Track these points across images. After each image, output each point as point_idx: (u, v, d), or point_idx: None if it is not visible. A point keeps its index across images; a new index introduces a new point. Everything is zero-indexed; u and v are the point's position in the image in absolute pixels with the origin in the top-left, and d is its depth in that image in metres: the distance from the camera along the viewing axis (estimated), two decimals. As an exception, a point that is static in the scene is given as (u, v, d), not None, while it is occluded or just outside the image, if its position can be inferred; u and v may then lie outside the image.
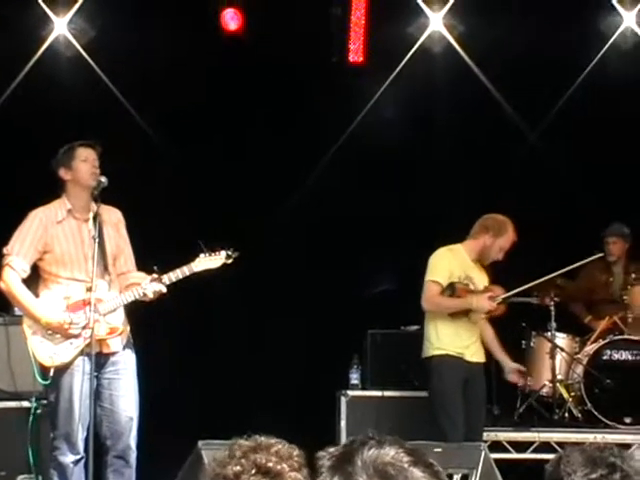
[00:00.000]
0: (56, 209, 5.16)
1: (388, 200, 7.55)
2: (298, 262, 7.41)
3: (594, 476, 2.07)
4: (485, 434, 6.54)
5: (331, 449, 1.55)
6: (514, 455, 6.56)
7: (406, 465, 1.52)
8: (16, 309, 5.77)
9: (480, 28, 7.35)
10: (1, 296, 5.26)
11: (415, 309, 7.00)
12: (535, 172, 7.57)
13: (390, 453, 1.53)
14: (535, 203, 7.51)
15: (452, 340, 5.87)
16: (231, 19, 7.32)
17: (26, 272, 5.06)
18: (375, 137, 7.50)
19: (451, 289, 5.88)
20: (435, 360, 5.84)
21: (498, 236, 5.96)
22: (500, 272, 7.03)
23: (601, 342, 6.99)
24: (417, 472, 1.51)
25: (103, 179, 5.11)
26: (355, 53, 7.52)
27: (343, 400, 6.48)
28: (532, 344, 7.12)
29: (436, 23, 7.45)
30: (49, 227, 5.10)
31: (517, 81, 7.38)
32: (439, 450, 4.76)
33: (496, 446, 6.37)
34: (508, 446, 6.59)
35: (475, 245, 6.01)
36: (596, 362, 6.91)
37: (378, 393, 6.55)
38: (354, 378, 6.68)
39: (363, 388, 6.65)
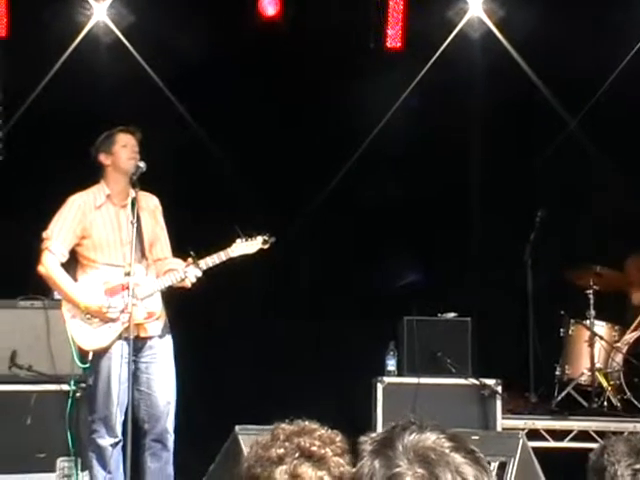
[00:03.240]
0: (95, 194, 5.19)
1: (424, 188, 7.51)
2: (336, 249, 7.40)
3: (638, 466, 2.06)
4: (522, 422, 6.52)
5: (373, 434, 1.54)
6: (552, 444, 6.51)
7: (447, 450, 1.50)
8: (55, 293, 5.81)
9: (520, 13, 7.28)
10: (41, 280, 5.30)
11: (452, 297, 7.00)
12: (574, 159, 7.49)
13: (431, 438, 1.52)
14: (574, 190, 7.44)
15: None
16: (269, 4, 7.31)
17: (65, 257, 5.10)
18: (412, 124, 7.46)
19: None
20: None
21: None
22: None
23: (641, 330, 6.93)
24: (458, 458, 1.50)
25: (141, 164, 5.13)
26: (393, 39, 7.48)
27: (379, 387, 6.47)
28: (571, 332, 7.06)
29: (475, 8, 7.39)
30: (87, 212, 5.13)
31: (557, 67, 7.29)
32: (476, 438, 4.74)
33: (534, 434, 6.33)
34: (546, 434, 6.55)
35: None
36: (636, 350, 6.84)
37: (414, 380, 6.53)
38: (390, 365, 6.67)
39: (399, 375, 6.63)
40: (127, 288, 4.94)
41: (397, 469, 1.49)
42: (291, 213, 7.17)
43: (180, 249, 5.25)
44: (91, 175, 5.29)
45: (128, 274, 4.95)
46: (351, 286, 7.35)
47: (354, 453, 1.83)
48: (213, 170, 7.26)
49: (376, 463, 1.51)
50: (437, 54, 7.34)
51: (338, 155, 7.51)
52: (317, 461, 1.76)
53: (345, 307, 7.27)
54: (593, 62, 7.25)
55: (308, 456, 1.77)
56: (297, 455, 1.77)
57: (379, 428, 6.23)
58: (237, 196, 7.20)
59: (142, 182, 5.14)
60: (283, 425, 1.84)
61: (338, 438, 1.82)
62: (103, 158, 5.19)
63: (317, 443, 1.78)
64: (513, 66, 7.36)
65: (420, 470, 1.48)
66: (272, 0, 7.28)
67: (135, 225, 4.99)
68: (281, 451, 1.77)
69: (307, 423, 1.83)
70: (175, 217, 5.41)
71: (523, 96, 7.45)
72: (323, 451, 1.77)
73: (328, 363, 7.03)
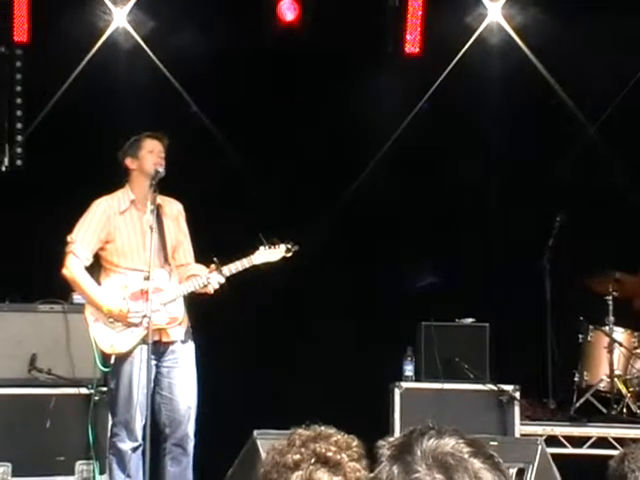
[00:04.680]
0: (119, 199, 5.22)
1: (441, 192, 7.50)
2: (355, 253, 7.40)
3: (659, 473, 2.05)
4: (541, 428, 6.50)
5: (391, 438, 1.54)
6: (570, 450, 6.49)
7: (466, 456, 1.50)
8: (75, 297, 5.85)
9: (539, 18, 7.26)
10: (60, 284, 5.34)
11: (470, 302, 6.98)
12: (593, 165, 7.46)
13: (450, 443, 1.51)
14: (593, 195, 7.41)
15: None
16: (288, 10, 7.32)
17: (89, 260, 5.13)
18: (431, 129, 7.46)
19: None
20: None
21: None
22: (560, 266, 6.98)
23: (661, 337, 6.89)
24: (477, 463, 1.49)
25: (160, 170, 5.16)
26: (412, 44, 7.47)
27: (397, 392, 6.47)
28: (589, 338, 7.03)
29: (494, 13, 7.37)
30: (112, 217, 5.16)
31: (576, 72, 7.27)
32: (495, 444, 4.72)
33: (552, 441, 6.31)
34: (564, 441, 6.52)
35: None
36: (656, 357, 6.81)
37: (432, 385, 6.53)
38: (408, 370, 6.67)
39: (417, 380, 6.63)
40: (148, 292, 4.96)
41: (416, 474, 1.48)
42: (311, 217, 7.17)
43: (203, 255, 5.27)
44: (113, 179, 5.32)
45: (147, 278, 4.97)
46: (369, 291, 7.35)
47: (371, 458, 1.83)
48: (233, 174, 7.28)
49: (394, 468, 1.50)
50: (456, 59, 7.33)
51: (357, 159, 7.51)
52: (333, 467, 1.76)
53: (363, 312, 7.26)
54: (612, 67, 7.22)
55: (324, 462, 1.77)
56: (313, 461, 1.77)
57: (396, 433, 6.22)
58: (259, 200, 7.21)
59: (163, 187, 5.16)
60: (300, 430, 1.84)
61: (354, 443, 1.82)
62: (129, 162, 5.22)
63: (333, 449, 1.78)
64: (532, 71, 7.33)
65: (439, 475, 1.48)
66: (291, 5, 7.30)
67: (155, 229, 5.01)
68: (297, 457, 1.77)
69: (323, 428, 1.83)
70: (197, 222, 5.43)
71: (541, 101, 7.43)
72: (339, 457, 1.78)
73: (346, 368, 7.02)
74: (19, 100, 7.15)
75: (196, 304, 5.26)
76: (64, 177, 6.89)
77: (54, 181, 6.96)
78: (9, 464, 5.68)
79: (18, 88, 7.14)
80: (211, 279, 5.06)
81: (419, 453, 1.50)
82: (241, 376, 6.79)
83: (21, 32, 7.07)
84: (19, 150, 7.18)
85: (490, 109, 7.50)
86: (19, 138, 7.18)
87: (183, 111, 7.18)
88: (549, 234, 7.00)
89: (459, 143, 7.50)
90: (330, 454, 1.78)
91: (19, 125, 7.18)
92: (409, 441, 1.52)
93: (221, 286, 5.08)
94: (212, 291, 5.09)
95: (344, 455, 1.79)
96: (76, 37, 7.00)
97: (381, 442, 1.55)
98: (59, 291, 5.81)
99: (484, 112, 7.49)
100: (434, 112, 7.50)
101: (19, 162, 7.20)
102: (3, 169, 7.17)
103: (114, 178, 5.33)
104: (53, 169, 7.03)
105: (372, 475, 1.52)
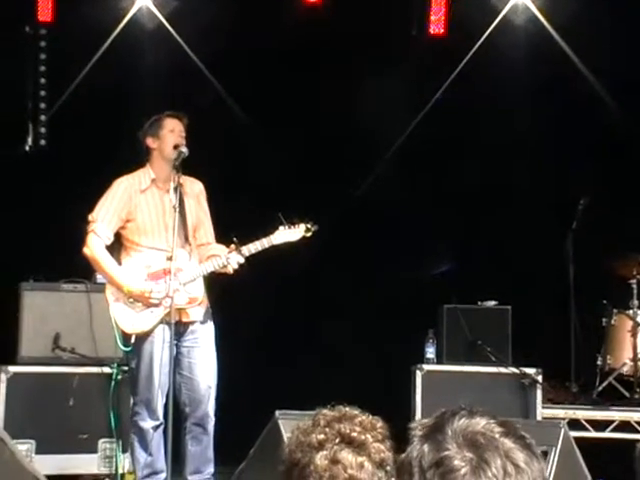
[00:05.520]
0: (140, 178, 5.23)
1: (464, 174, 7.46)
2: (376, 236, 7.38)
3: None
4: (563, 412, 6.48)
5: (423, 420, 1.55)
6: (593, 434, 6.47)
7: (497, 435, 1.50)
8: (98, 277, 5.88)
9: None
10: (84, 263, 5.36)
11: (493, 285, 6.96)
12: (618, 146, 7.40)
13: (481, 423, 1.52)
14: (617, 178, 7.35)
15: None
16: (311, -10, 7.28)
17: (110, 239, 5.14)
18: (454, 111, 7.41)
19: None
20: None
21: None
22: (583, 246, 6.94)
23: (685, 321, 6.83)
24: (508, 443, 1.50)
25: (184, 149, 5.16)
26: (436, 25, 7.42)
27: (418, 374, 6.46)
28: (613, 322, 6.99)
29: (520, -7, 7.32)
30: (133, 196, 5.17)
31: (602, 52, 7.20)
32: (518, 426, 4.70)
33: (574, 424, 6.29)
34: (587, 424, 6.50)
35: None
36: (679, 341, 6.76)
37: (454, 367, 6.52)
38: (429, 352, 6.66)
39: (438, 362, 6.62)
40: (169, 273, 4.97)
41: (446, 452, 1.49)
42: (330, 203, 7.15)
43: (223, 235, 5.27)
44: (136, 158, 5.33)
45: (170, 259, 4.98)
46: (391, 274, 7.33)
47: (394, 440, 1.83)
48: (255, 154, 7.27)
49: (425, 447, 1.51)
50: (481, 40, 7.27)
51: (379, 142, 7.48)
52: (357, 447, 1.76)
53: (384, 295, 7.25)
54: (638, 46, 7.15)
55: (348, 442, 1.77)
56: (337, 441, 1.77)
57: (418, 415, 6.23)
58: (279, 181, 7.21)
59: (185, 167, 5.17)
60: (324, 411, 1.84)
61: (379, 424, 1.82)
62: (150, 142, 5.23)
63: (357, 429, 1.78)
64: (557, 52, 7.27)
65: (469, 454, 1.48)
66: (314, -14, 7.26)
67: (178, 209, 5.02)
68: (321, 437, 1.78)
69: (348, 409, 1.83)
70: (217, 202, 5.43)
71: (567, 82, 7.36)
72: (363, 437, 1.78)
73: (367, 350, 7.02)
74: (43, 80, 7.18)
75: (215, 284, 5.27)
76: (87, 157, 6.91)
77: (77, 161, 6.98)
78: (33, 441, 5.73)
79: (42, 68, 7.16)
80: (230, 259, 5.06)
81: (450, 432, 1.51)
82: (261, 356, 6.81)
83: (45, 12, 7.09)
84: (43, 130, 7.21)
85: (515, 90, 7.44)
86: (43, 118, 7.20)
87: (205, 90, 7.17)
88: (573, 217, 6.96)
89: (483, 125, 7.45)
90: (355, 434, 1.78)
91: (43, 105, 7.20)
92: (441, 421, 1.53)
93: (240, 266, 5.08)
94: (232, 271, 5.09)
95: (369, 436, 1.79)
96: (100, 17, 7.01)
97: (413, 423, 1.56)
98: (82, 270, 5.84)
99: (509, 93, 7.43)
100: (458, 93, 7.45)
101: (43, 142, 7.23)
102: (27, 149, 7.21)
103: (136, 157, 5.33)
104: (76, 149, 7.05)
105: (403, 455, 1.53)
